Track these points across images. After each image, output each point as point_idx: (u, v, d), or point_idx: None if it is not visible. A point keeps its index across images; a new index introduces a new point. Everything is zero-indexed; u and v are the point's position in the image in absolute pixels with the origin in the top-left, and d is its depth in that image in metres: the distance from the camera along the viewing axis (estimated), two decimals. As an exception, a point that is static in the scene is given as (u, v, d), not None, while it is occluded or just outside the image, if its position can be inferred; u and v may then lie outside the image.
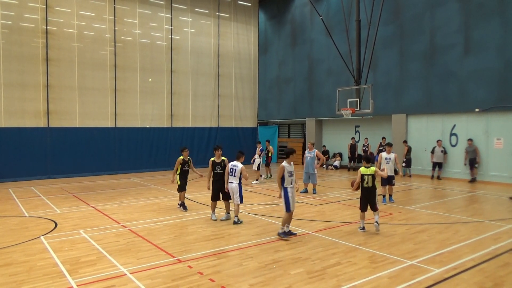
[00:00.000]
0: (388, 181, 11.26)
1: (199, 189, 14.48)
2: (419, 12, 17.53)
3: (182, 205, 10.67)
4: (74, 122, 18.83)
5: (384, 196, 11.43)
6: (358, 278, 5.71)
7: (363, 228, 8.37)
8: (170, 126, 22.01)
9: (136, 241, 7.69)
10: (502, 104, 14.82)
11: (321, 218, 9.68)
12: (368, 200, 8.28)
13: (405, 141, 17.89)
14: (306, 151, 13.27)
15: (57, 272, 6.00)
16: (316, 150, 13.22)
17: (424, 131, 17.71)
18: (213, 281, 5.62)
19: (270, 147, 17.38)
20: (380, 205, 9.38)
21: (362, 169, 8.34)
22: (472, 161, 15.57)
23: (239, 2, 24.96)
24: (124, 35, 20.34)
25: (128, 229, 8.63)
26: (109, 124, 19.92)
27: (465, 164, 15.87)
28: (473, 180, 15.56)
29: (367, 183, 8.26)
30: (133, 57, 20.60)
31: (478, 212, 10.40)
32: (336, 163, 21.67)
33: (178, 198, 11.07)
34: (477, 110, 15.56)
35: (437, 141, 16.74)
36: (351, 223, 9.10)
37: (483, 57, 15.32)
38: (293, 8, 24.19)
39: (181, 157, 10.57)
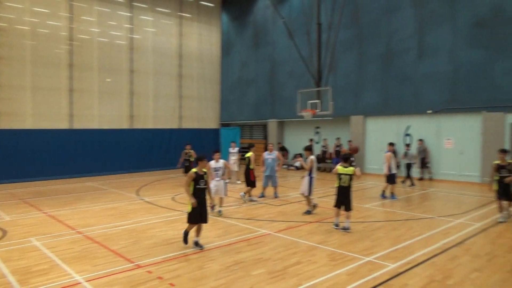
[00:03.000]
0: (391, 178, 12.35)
1: (160, 192, 14.22)
2: (376, 17, 18.17)
3: (195, 243, 7.38)
4: (25, 123, 17.90)
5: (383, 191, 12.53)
6: (318, 276, 5.83)
7: (337, 225, 8.60)
8: (130, 127, 21.45)
9: (92, 247, 7.42)
10: (452, 106, 15.66)
11: (283, 218, 9.78)
12: (343, 198, 8.41)
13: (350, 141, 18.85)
14: (266, 153, 12.87)
15: (5, 283, 5.67)
16: (277, 152, 13.14)
17: (381, 132, 18.36)
18: (173, 285, 5.54)
19: (191, 151, 16.06)
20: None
21: (340, 168, 8.37)
22: (423, 160, 16.26)
23: (201, 2, 24.78)
24: (81, 33, 19.61)
25: (84, 235, 8.32)
26: (65, 125, 19.11)
27: (415, 163, 16.43)
28: (429, 179, 16.24)
29: (343, 182, 8.35)
30: (91, 56, 19.91)
31: (429, 209, 10.92)
32: (297, 163, 21.96)
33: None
34: (429, 111, 16.34)
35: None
36: (311, 222, 9.26)
37: (435, 61, 16.12)
38: (255, 10, 24.33)
39: (194, 170, 7.35)
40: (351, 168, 8.33)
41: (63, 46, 19.00)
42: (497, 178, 9.17)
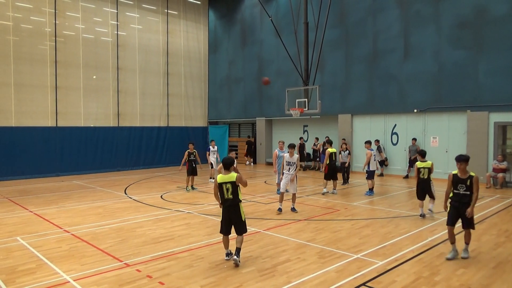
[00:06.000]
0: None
1: (148, 190, 14.10)
2: (362, 17, 18.32)
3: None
4: (9, 121, 17.54)
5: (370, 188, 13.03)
6: (307, 274, 5.86)
7: (423, 215, 9.46)
8: (117, 125, 21.20)
9: (79, 246, 7.33)
10: (437, 105, 15.93)
11: (271, 216, 9.81)
12: (424, 190, 9.45)
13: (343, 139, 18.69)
14: (278, 150, 12.60)
15: (-10, 283, 5.57)
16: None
17: (368, 131, 18.55)
18: (162, 284, 5.51)
19: (195, 151, 14.29)
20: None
21: (419, 163, 9.43)
22: (414, 159, 16.49)
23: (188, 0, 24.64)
24: (66, 29, 19.27)
25: (71, 234, 8.21)
26: (49, 123, 18.78)
27: (411, 159, 16.65)
28: (407, 177, 16.47)
29: (423, 175, 9.39)
30: (76, 53, 19.58)
31: (416, 206, 11.04)
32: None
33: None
34: (415, 110, 16.58)
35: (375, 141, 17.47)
36: (300, 220, 9.31)
37: (420, 61, 16.35)
38: (243, 8, 24.28)
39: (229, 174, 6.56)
40: (429, 162, 9.48)
41: (47, 42, 18.65)
42: (451, 195, 6.64)
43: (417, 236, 7.91)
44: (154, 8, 22.89)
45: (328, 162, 13.01)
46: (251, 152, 23.92)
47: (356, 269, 6.02)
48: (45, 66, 18.57)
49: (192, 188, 14.17)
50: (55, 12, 18.82)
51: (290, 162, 10.38)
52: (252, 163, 23.86)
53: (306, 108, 16.54)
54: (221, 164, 10.02)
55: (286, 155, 10.48)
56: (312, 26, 17.34)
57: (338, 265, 6.22)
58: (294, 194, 10.44)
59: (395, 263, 6.28)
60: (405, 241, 7.52)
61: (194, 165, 13.98)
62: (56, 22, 18.88)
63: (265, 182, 16.06)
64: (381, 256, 6.62)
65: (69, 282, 5.58)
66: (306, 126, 22.08)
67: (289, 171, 10.33)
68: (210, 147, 16.38)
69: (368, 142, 13.09)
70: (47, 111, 18.70)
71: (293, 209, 10.30)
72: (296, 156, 10.42)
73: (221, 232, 6.57)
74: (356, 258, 6.54)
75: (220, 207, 6.61)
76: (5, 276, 5.81)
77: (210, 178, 16.32)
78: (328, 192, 13.03)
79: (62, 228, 8.66)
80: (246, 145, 23.87)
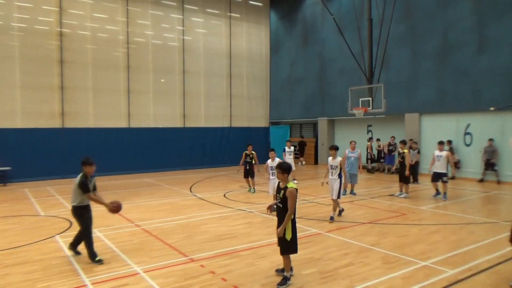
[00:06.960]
0: (439, 177, 11.97)
1: (211, 189, 14.55)
2: (431, 10, 17.31)
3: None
4: (88, 122, 19.12)
5: (437, 190, 12.19)
6: (371, 279, 5.68)
7: None
8: (183, 126, 22.17)
9: (149, 240, 7.78)
10: (518, 103, 14.55)
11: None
12: None
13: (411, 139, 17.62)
14: (348, 150, 12.79)
15: (71, 270, 6.11)
16: (359, 150, 12.98)
17: (438, 130, 17.47)
18: (225, 280, 5.66)
19: (253, 152, 13.91)
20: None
21: None
22: (489, 161, 15.23)
23: (250, 2, 25.00)
24: (137, 36, 20.56)
25: (141, 228, 8.74)
26: (123, 124, 20.17)
27: (490, 161, 15.40)
28: (497, 182, 15.19)
29: None
30: (146, 58, 20.83)
31: (493, 212, 10.23)
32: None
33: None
34: (492, 109, 15.28)
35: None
36: (364, 223, 9.04)
37: (497, 55, 15.04)
38: (304, 8, 24.13)
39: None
40: None
41: (121, 49, 20.04)
42: None
43: (493, 244, 7.29)
44: (218, 12, 23.58)
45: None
46: (304, 152, 23.73)
47: (424, 277, 5.71)
48: (119, 71, 19.98)
49: (253, 190, 13.85)
50: (127, 21, 20.17)
51: (272, 167, 10.09)
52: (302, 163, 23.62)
53: (370, 107, 16.00)
54: (267, 164, 10.30)
55: (268, 160, 10.36)
56: (376, 22, 16.73)
57: (404, 272, 5.94)
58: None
59: (468, 273, 5.85)
60: (479, 250, 6.97)
61: (248, 167, 13.63)
62: (128, 30, 20.22)
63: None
64: (452, 265, 6.20)
65: (139, 273, 5.95)
66: (370, 126, 21.36)
67: (272, 175, 10.30)
68: (286, 147, 16.58)
69: (441, 143, 12.31)
70: (120, 113, 20.11)
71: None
72: (277, 160, 9.89)
73: (296, 251, 5.64)
74: (424, 266, 6.20)
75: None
76: (84, 265, 6.34)
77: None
78: (407, 195, 12.34)
79: (133, 223, 9.26)
80: (298, 146, 23.62)
